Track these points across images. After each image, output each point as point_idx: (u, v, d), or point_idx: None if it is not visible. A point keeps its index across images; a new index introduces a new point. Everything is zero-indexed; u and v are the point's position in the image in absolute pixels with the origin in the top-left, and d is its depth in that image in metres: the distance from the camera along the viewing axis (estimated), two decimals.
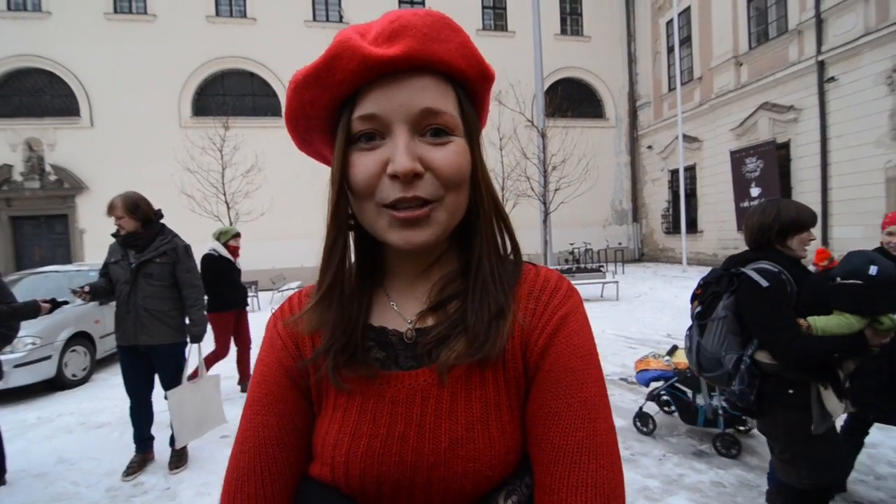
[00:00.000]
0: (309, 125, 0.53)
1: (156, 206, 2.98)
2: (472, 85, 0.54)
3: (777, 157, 10.96)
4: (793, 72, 10.51)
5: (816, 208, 1.90)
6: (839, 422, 1.98)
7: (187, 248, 3.01)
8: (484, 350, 0.50)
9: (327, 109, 0.51)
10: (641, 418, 3.39)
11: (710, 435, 3.21)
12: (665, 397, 3.38)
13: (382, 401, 0.52)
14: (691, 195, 14.07)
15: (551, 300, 0.54)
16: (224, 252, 4.39)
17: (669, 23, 14.84)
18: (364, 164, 0.49)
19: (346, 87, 0.49)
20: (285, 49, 14.01)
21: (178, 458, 3.02)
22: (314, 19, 14.67)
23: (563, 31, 16.74)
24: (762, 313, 1.74)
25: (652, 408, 3.45)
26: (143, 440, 3.06)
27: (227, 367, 4.48)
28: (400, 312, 0.56)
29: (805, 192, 10.32)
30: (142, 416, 3.03)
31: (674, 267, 14.00)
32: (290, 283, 11.40)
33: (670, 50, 14.98)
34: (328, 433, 0.52)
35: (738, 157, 11.99)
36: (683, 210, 12.65)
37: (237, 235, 4.56)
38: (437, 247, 0.56)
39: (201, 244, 3.86)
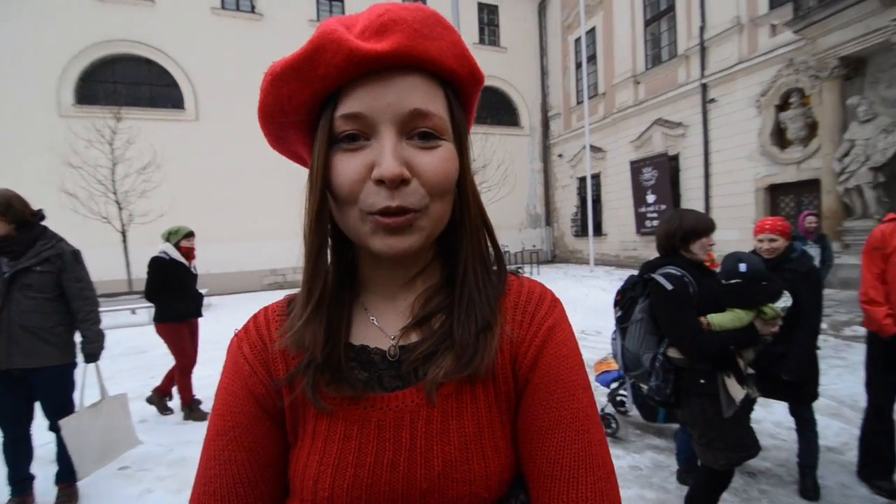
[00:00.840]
0: (285, 122, 0.48)
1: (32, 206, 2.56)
2: (461, 87, 0.51)
3: (668, 168, 12.22)
4: (681, 92, 11.78)
5: None
6: None
7: (76, 254, 2.62)
8: (473, 365, 0.47)
9: (307, 106, 0.47)
10: (604, 420, 3.29)
11: (626, 421, 3.48)
12: (619, 398, 3.45)
13: (368, 426, 0.47)
14: (597, 201, 15.16)
15: (538, 311, 0.53)
16: (176, 254, 3.84)
17: (577, 41, 15.90)
18: (347, 166, 0.45)
19: (330, 82, 0.44)
20: (189, 37, 12.88)
21: (68, 498, 2.62)
22: (223, 7, 13.63)
23: (482, 41, 17.26)
24: (668, 314, 1.92)
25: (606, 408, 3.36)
26: (21, 480, 2.59)
27: (137, 386, 3.96)
28: (381, 328, 0.52)
29: (692, 199, 11.62)
30: (18, 452, 2.57)
31: (582, 267, 14.97)
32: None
33: (578, 66, 16.08)
34: (308, 466, 0.47)
35: (636, 167, 13.18)
36: (591, 214, 13.61)
37: (190, 235, 3.97)
38: (420, 258, 0.53)
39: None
